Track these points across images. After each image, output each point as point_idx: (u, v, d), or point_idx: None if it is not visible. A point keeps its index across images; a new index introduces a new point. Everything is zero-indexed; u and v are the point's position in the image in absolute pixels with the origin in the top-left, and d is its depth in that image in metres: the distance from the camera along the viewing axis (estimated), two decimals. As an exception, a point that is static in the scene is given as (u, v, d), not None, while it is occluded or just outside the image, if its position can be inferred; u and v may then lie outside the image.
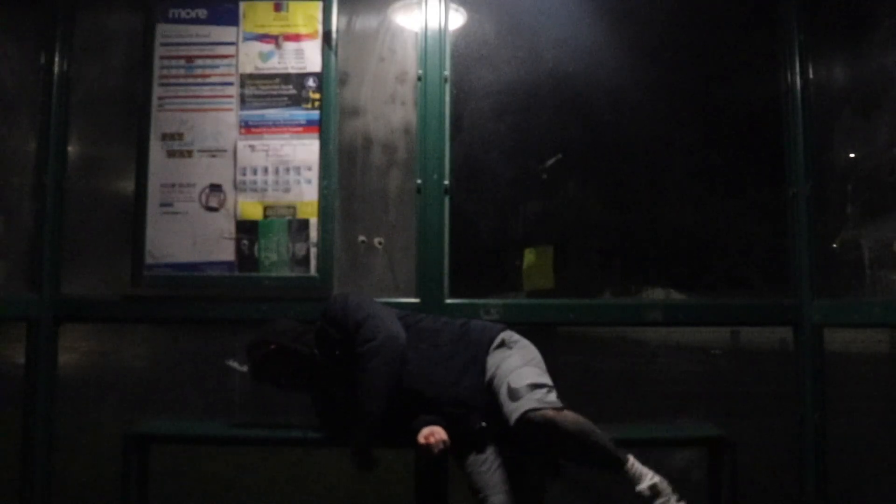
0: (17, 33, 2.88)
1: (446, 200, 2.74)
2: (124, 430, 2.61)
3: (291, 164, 2.72)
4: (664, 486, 2.08)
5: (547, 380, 2.27)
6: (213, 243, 2.70)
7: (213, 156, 2.73)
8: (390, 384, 2.26)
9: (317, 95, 2.73)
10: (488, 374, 2.31)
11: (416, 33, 2.82)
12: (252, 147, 2.73)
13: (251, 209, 2.71)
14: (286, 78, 2.75)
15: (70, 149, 2.80)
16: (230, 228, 2.71)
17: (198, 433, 2.83)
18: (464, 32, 2.94)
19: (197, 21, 2.78)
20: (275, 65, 2.76)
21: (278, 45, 2.76)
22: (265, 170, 2.72)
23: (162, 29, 2.78)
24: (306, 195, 2.71)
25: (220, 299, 2.71)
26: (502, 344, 2.37)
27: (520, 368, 2.27)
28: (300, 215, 2.70)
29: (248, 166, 2.73)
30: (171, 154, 2.74)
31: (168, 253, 2.69)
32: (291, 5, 2.78)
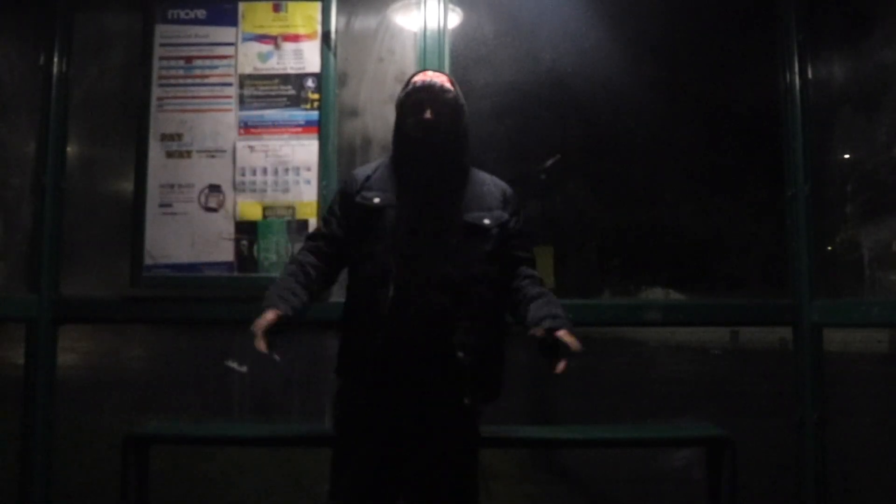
0: (16, 33, 2.89)
1: (445, 201, 2.74)
2: (124, 431, 2.61)
3: (290, 164, 2.72)
4: None
5: None
6: (213, 244, 2.70)
7: (212, 156, 2.73)
8: None
9: (316, 96, 2.74)
10: None
11: (415, 34, 2.82)
12: (251, 147, 2.73)
13: (250, 209, 2.72)
14: (285, 78, 2.75)
15: (69, 149, 2.80)
16: (229, 229, 2.71)
17: (197, 433, 2.84)
18: (463, 33, 2.94)
19: (196, 22, 2.78)
20: (274, 65, 2.76)
21: (277, 46, 2.76)
22: (264, 170, 2.72)
23: (161, 29, 2.78)
24: (305, 196, 2.71)
25: (220, 300, 2.70)
26: None
27: None
28: (299, 216, 2.70)
29: (247, 167, 2.73)
30: (170, 154, 2.74)
31: (167, 253, 2.69)
32: (290, 6, 2.78)
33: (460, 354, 1.93)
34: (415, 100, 2.07)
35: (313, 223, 2.69)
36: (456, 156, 2.12)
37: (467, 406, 1.98)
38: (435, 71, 2.21)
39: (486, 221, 2.05)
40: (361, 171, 2.18)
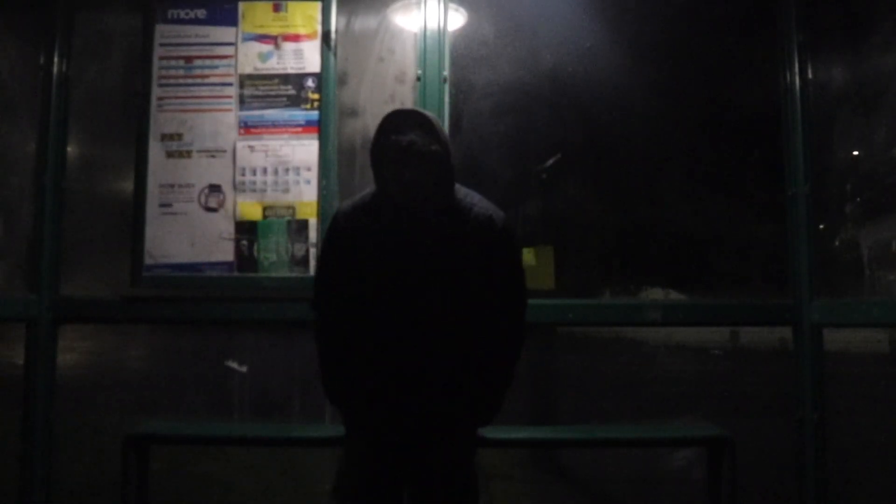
0: (17, 33, 2.89)
1: (445, 201, 2.73)
2: (124, 431, 2.61)
3: (290, 164, 2.72)
4: None
5: None
6: (213, 244, 2.70)
7: (213, 156, 2.73)
8: None
9: (316, 96, 2.73)
10: None
11: (415, 33, 2.82)
12: (251, 147, 2.73)
13: (250, 209, 2.71)
14: (285, 78, 2.75)
15: (69, 149, 2.81)
16: (229, 229, 2.71)
17: (197, 433, 2.84)
18: (463, 33, 2.94)
19: (196, 21, 2.78)
20: (274, 65, 2.76)
21: (277, 46, 2.76)
22: (264, 170, 2.72)
23: (161, 29, 2.78)
24: (305, 195, 2.71)
25: (220, 300, 2.71)
26: None
27: None
28: (299, 216, 2.70)
29: (247, 167, 2.73)
30: (171, 154, 2.74)
31: (167, 253, 2.69)
32: (290, 6, 2.78)
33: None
34: (394, 156, 1.97)
35: (313, 223, 2.69)
36: (443, 188, 2.06)
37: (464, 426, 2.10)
38: (409, 111, 2.08)
39: (466, 271, 2.02)
40: (347, 214, 2.13)
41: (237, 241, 2.70)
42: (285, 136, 2.73)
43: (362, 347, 2.07)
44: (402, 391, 2.04)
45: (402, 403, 2.05)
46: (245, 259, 2.70)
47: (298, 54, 2.76)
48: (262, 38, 2.77)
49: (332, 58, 2.75)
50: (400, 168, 1.97)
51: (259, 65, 2.76)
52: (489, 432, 2.71)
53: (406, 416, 2.05)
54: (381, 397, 2.06)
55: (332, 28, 2.76)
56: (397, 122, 2.01)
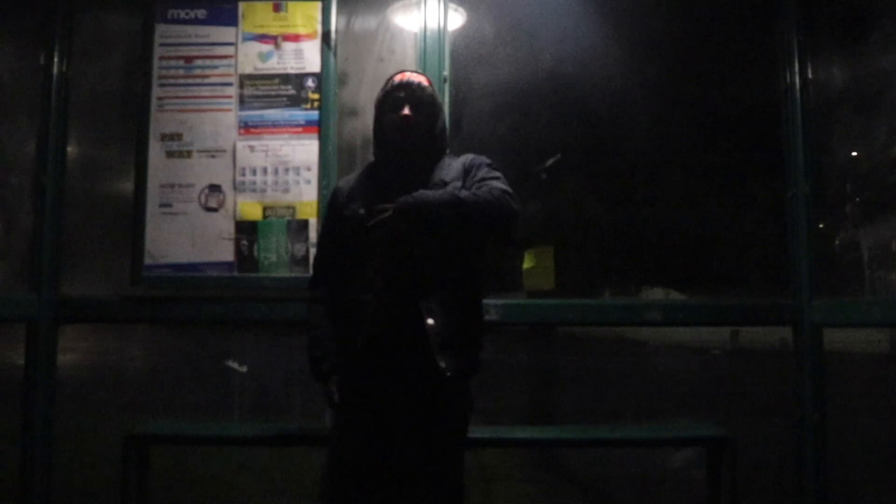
0: (16, 33, 2.89)
1: (445, 201, 2.73)
2: (124, 431, 2.61)
3: (291, 164, 2.72)
4: None
5: None
6: (213, 244, 2.70)
7: (213, 156, 2.73)
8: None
9: (316, 96, 2.74)
10: None
11: (415, 34, 2.82)
12: (251, 147, 2.73)
13: (250, 209, 2.71)
14: (285, 78, 2.75)
15: (69, 149, 2.80)
16: (229, 229, 2.71)
17: (197, 433, 2.84)
18: (463, 33, 2.95)
19: (196, 21, 2.78)
20: (274, 65, 2.76)
21: (277, 46, 2.76)
22: (264, 170, 2.72)
23: (161, 29, 2.77)
24: (305, 195, 2.71)
25: (220, 300, 2.70)
26: None
27: None
28: (299, 216, 2.71)
29: (247, 167, 2.73)
30: (171, 154, 2.74)
31: (167, 253, 2.69)
32: (290, 6, 2.78)
33: (430, 322, 1.99)
34: (393, 98, 2.14)
35: (313, 223, 2.69)
36: (434, 153, 2.19)
37: (446, 377, 1.98)
38: (412, 71, 2.26)
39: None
40: (346, 183, 2.26)
41: (237, 241, 2.70)
42: (285, 136, 2.73)
43: (351, 312, 2.08)
44: (392, 359, 2.03)
45: (392, 369, 2.03)
46: (245, 259, 2.70)
47: (298, 54, 2.76)
48: (262, 38, 2.77)
49: (332, 58, 2.75)
50: (398, 108, 2.12)
51: (259, 65, 2.76)
52: (489, 432, 2.72)
53: (395, 380, 2.03)
54: (369, 367, 2.04)
55: (332, 28, 2.76)
56: (403, 72, 2.22)
